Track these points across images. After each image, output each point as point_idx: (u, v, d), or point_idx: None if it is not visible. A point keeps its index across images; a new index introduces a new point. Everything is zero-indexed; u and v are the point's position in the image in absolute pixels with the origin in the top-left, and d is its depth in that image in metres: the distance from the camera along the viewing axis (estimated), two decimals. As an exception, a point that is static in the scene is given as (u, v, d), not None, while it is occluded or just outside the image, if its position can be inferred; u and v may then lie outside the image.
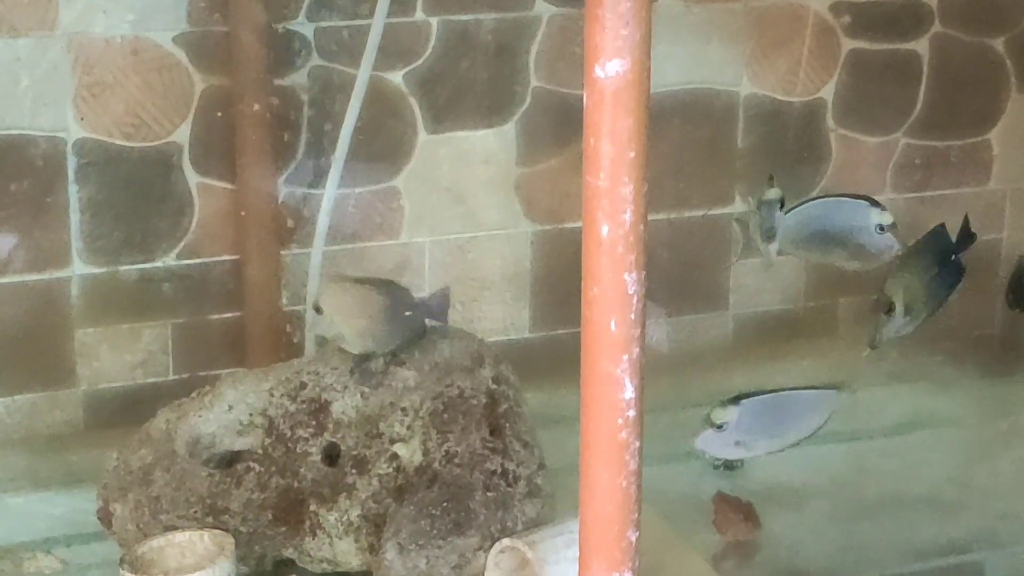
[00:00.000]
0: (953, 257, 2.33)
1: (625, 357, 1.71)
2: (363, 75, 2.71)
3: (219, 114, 2.76)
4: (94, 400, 2.77)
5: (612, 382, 1.72)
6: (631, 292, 1.70)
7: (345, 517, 2.27)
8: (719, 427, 2.36)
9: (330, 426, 2.29)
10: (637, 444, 1.75)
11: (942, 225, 2.40)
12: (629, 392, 1.72)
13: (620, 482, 1.75)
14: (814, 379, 3.00)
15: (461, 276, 2.98)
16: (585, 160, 1.68)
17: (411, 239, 2.94)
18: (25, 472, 2.62)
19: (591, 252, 1.70)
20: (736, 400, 2.37)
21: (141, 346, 2.80)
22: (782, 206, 2.39)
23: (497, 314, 3.01)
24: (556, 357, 3.00)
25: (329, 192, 2.69)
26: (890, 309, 2.15)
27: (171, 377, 2.82)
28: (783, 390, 2.43)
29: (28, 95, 2.64)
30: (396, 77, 2.85)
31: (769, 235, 2.42)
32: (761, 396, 2.39)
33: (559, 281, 3.03)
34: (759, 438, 2.39)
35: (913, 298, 2.32)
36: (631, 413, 1.73)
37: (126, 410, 2.77)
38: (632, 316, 1.70)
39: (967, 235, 2.39)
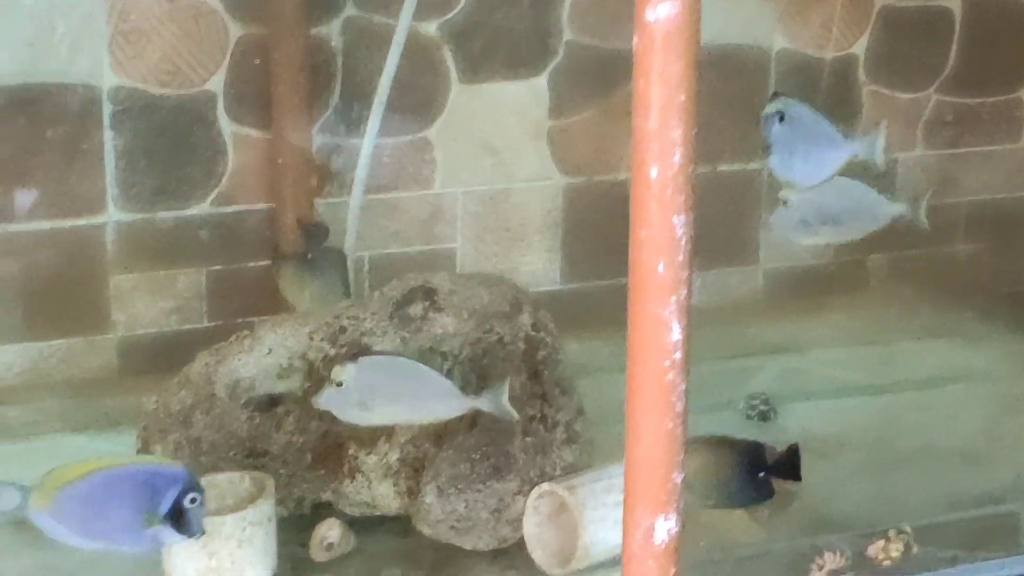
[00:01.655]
0: (762, 475, 2.32)
1: (673, 299, 1.72)
2: (403, 24, 2.71)
3: (254, 63, 2.76)
4: (128, 346, 2.78)
5: (660, 324, 1.73)
6: (679, 234, 1.70)
7: (384, 460, 2.27)
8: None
9: (371, 371, 2.30)
10: (683, 386, 1.76)
11: (761, 445, 2.37)
12: (676, 334, 1.73)
13: (666, 424, 1.76)
14: (845, 336, 3.03)
15: (492, 227, 2.99)
16: (635, 103, 1.68)
17: (443, 190, 2.94)
18: (61, 415, 2.63)
19: (640, 194, 1.70)
20: None
21: (175, 293, 2.80)
22: (781, 119, 2.39)
23: (528, 266, 3.01)
24: (587, 308, 3.01)
25: (368, 141, 2.69)
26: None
27: (205, 324, 2.82)
28: None
29: (64, 42, 2.65)
30: (430, 28, 2.85)
31: (766, 150, 2.41)
32: None
33: (590, 233, 3.03)
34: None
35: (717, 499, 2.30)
36: (678, 355, 1.74)
37: (160, 356, 2.78)
38: (680, 258, 1.71)
39: (786, 465, 2.34)
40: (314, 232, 2.63)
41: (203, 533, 1.96)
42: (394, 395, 2.19)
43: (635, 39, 1.65)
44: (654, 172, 1.68)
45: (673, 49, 1.64)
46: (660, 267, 1.71)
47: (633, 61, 1.66)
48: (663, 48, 1.64)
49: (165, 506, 1.89)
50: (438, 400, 2.20)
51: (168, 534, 1.92)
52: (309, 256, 2.59)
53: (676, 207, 1.69)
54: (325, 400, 2.18)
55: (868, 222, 2.45)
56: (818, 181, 2.40)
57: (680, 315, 1.73)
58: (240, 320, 2.78)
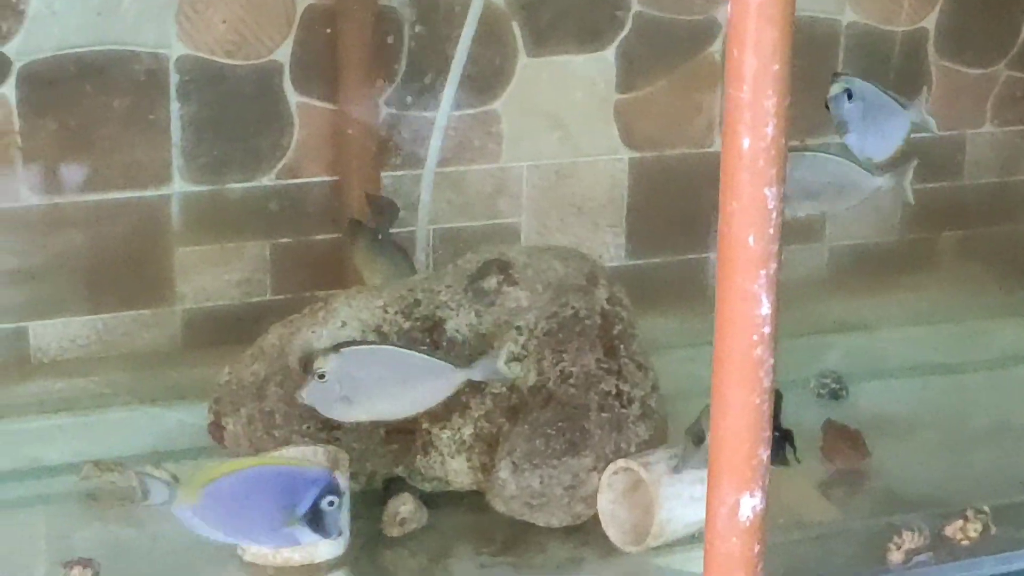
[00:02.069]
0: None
1: (763, 273, 1.70)
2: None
3: (321, 33, 2.73)
4: (193, 318, 2.77)
5: (749, 298, 1.70)
6: (770, 207, 1.68)
7: (458, 436, 2.26)
8: None
9: (444, 344, 2.28)
10: (771, 361, 1.73)
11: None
12: (765, 308, 1.71)
13: (753, 399, 1.73)
14: (914, 314, 3.00)
15: (557, 202, 2.96)
16: (727, 72, 1.66)
17: (509, 164, 2.91)
18: (129, 388, 2.62)
19: (731, 165, 1.68)
20: None
21: (240, 265, 2.79)
22: (850, 97, 2.37)
23: (593, 241, 2.99)
24: (652, 285, 2.98)
25: (442, 113, 2.66)
26: (700, 440, 2.13)
27: (269, 297, 2.81)
28: None
29: (131, 10, 2.63)
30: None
31: (841, 128, 2.39)
32: None
33: (656, 209, 3.00)
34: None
35: None
36: (766, 329, 1.72)
37: (224, 329, 2.77)
38: (771, 231, 1.69)
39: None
40: (384, 208, 2.61)
41: (339, 535, 2.02)
42: (380, 387, 2.16)
43: (729, 7, 1.62)
44: (746, 143, 1.65)
45: (767, 17, 1.61)
46: (750, 240, 1.68)
47: (727, 30, 1.63)
48: (757, 16, 1.61)
49: (304, 507, 1.94)
50: (429, 382, 2.17)
51: (305, 534, 1.96)
52: (380, 236, 2.56)
53: (768, 179, 1.67)
54: (308, 394, 2.15)
55: (851, 196, 2.43)
56: (890, 153, 2.39)
57: (769, 289, 1.71)
58: (305, 294, 2.77)
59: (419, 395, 2.19)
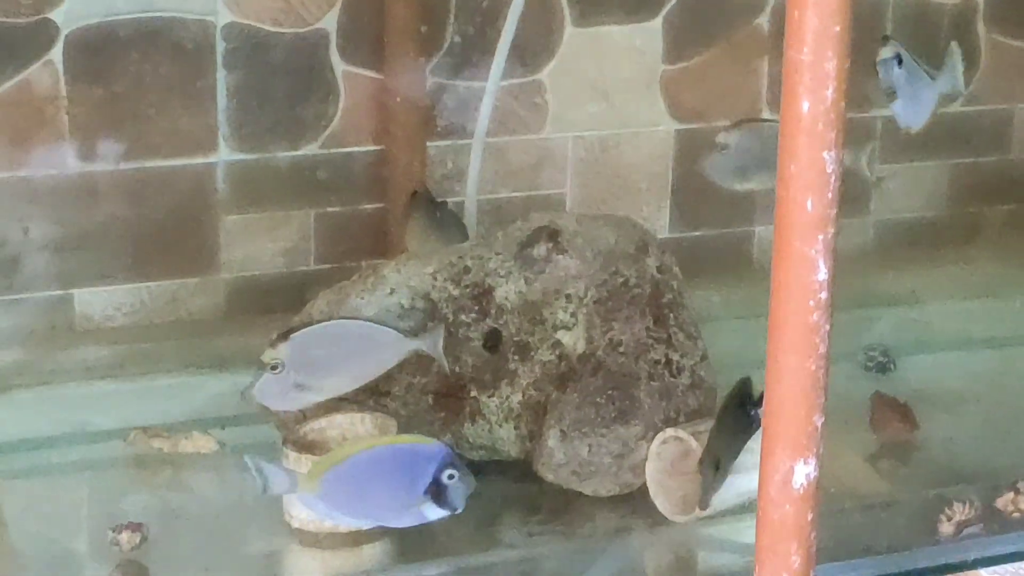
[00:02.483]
0: (752, 412, 2.28)
1: (820, 237, 1.68)
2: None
3: (367, 2, 2.72)
4: (236, 287, 2.77)
5: (806, 262, 1.69)
6: (829, 171, 1.66)
7: (506, 403, 2.25)
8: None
9: (492, 311, 2.27)
10: (827, 327, 1.72)
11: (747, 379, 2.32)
12: (823, 273, 1.70)
13: (809, 365, 1.72)
14: (961, 288, 2.98)
15: (602, 173, 2.95)
16: (787, 33, 1.64)
17: (553, 134, 2.90)
18: (174, 355, 2.62)
19: (790, 128, 1.66)
20: None
21: (283, 234, 2.78)
22: (900, 63, 2.34)
23: (637, 213, 2.97)
24: (696, 256, 2.97)
25: (492, 84, 2.64)
26: (717, 467, 2.13)
27: (312, 267, 2.80)
28: None
29: (179, -23, 2.63)
30: (545, -32, 2.82)
31: (889, 94, 2.37)
32: None
33: (702, 181, 2.98)
34: None
35: (728, 453, 2.27)
36: (823, 295, 1.70)
37: (267, 298, 2.77)
38: (829, 195, 1.67)
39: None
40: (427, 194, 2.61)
41: (463, 508, 2.01)
42: (331, 365, 2.15)
43: (790, -33, 1.61)
44: (805, 106, 1.64)
45: (829, -24, 1.60)
46: (808, 204, 1.67)
47: (785, -10, 1.62)
48: (819, -24, 1.60)
49: (424, 483, 1.96)
50: (378, 353, 2.17)
51: (432, 509, 1.98)
52: (438, 214, 2.55)
53: (827, 143, 1.65)
54: (259, 390, 2.12)
55: None
56: (923, 122, 2.37)
57: (827, 254, 1.69)
58: (348, 263, 2.77)
59: (368, 367, 2.18)
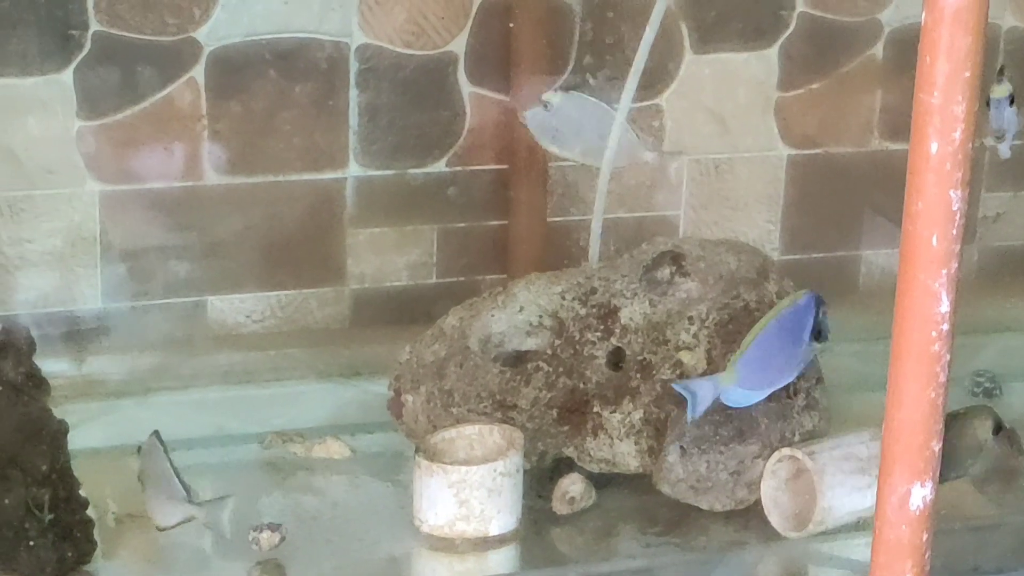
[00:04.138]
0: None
1: (944, 272, 1.76)
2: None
3: (495, 26, 2.81)
4: (361, 298, 2.86)
5: (929, 295, 1.77)
6: (955, 208, 1.74)
7: (628, 419, 2.33)
8: None
9: (617, 331, 2.36)
10: (948, 357, 1.80)
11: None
12: (945, 306, 1.77)
13: (929, 393, 1.80)
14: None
15: (715, 196, 3.02)
16: (918, 76, 1.71)
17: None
18: (304, 363, 2.72)
19: (918, 167, 1.74)
20: None
21: (408, 248, 2.87)
22: (1012, 102, 2.36)
23: (748, 236, 3.05)
24: (806, 280, 3.00)
25: (623, 107, 2.71)
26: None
27: (434, 281, 2.89)
28: None
29: (317, 1, 2.72)
30: (669, -3, 2.89)
31: (998, 135, 2.40)
32: None
33: (812, 205, 3.06)
34: None
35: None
36: (945, 327, 1.78)
37: (390, 310, 2.85)
38: (954, 232, 1.75)
39: None
40: None
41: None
42: (583, 134, 2.47)
43: (924, 14, 1.69)
44: (934, 147, 1.72)
45: (962, 24, 1.67)
46: (934, 239, 1.75)
47: (920, 36, 1.69)
48: (952, 23, 1.67)
49: (810, 331, 2.24)
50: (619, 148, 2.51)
51: (813, 348, 2.26)
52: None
53: (953, 182, 1.73)
54: (530, 117, 2.51)
55: (620, 157, 2.57)
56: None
57: (950, 287, 1.77)
58: (469, 278, 2.86)
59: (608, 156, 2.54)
